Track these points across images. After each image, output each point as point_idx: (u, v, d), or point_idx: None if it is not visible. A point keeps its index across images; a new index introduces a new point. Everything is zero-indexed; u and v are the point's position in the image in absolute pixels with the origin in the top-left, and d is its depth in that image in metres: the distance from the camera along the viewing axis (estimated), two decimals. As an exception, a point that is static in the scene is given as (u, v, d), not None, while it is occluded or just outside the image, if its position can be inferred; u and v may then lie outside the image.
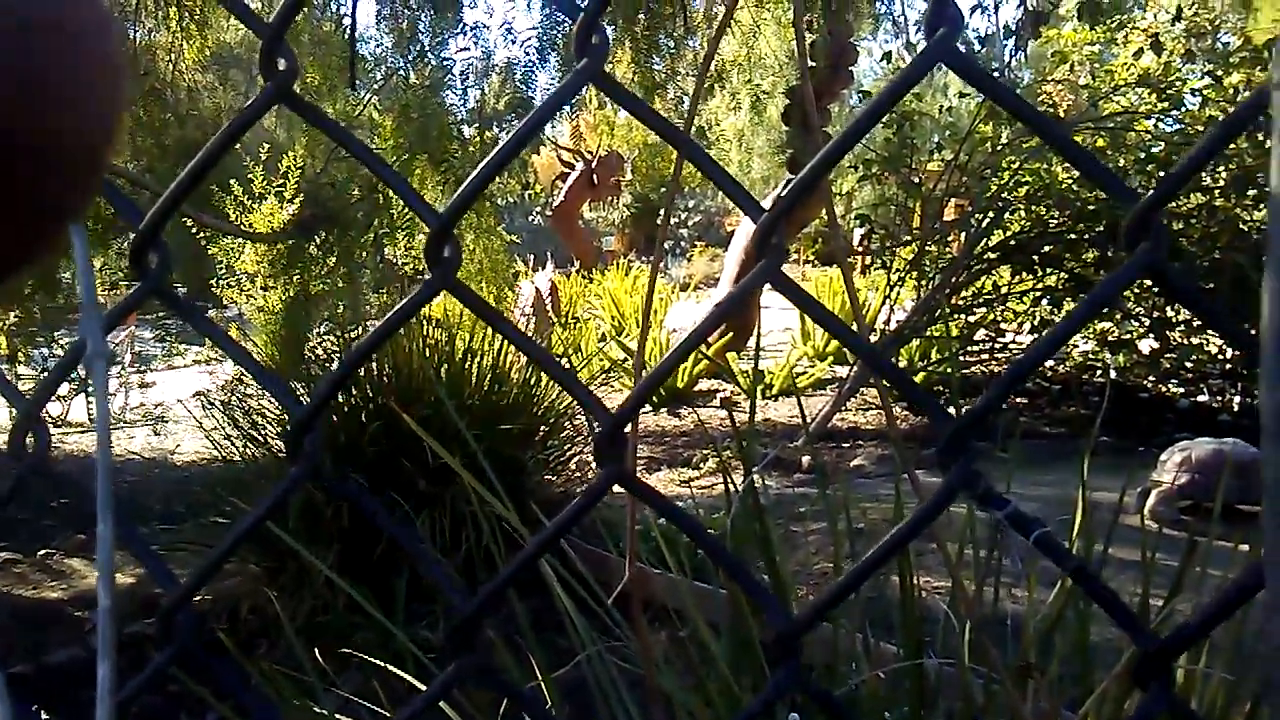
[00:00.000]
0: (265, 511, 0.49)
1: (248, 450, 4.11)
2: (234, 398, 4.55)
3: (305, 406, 0.47)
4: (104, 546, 0.36)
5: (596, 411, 0.47)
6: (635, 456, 5.81)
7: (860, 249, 8.40)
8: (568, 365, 8.11)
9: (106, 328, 0.40)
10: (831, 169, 0.46)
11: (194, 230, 6.18)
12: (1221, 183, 5.88)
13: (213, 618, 3.49)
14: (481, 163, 0.46)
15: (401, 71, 5.68)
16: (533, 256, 12.61)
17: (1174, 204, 6.06)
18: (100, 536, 0.32)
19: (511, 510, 1.55)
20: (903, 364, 7.02)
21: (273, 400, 4.27)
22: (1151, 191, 0.37)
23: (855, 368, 6.56)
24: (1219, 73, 6.38)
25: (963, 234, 6.77)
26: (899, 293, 6.80)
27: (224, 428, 4.21)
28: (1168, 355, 6.21)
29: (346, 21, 5.82)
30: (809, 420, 6.37)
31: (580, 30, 0.45)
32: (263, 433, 4.13)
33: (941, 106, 7.99)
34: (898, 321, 6.65)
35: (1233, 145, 6.20)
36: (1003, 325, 7.03)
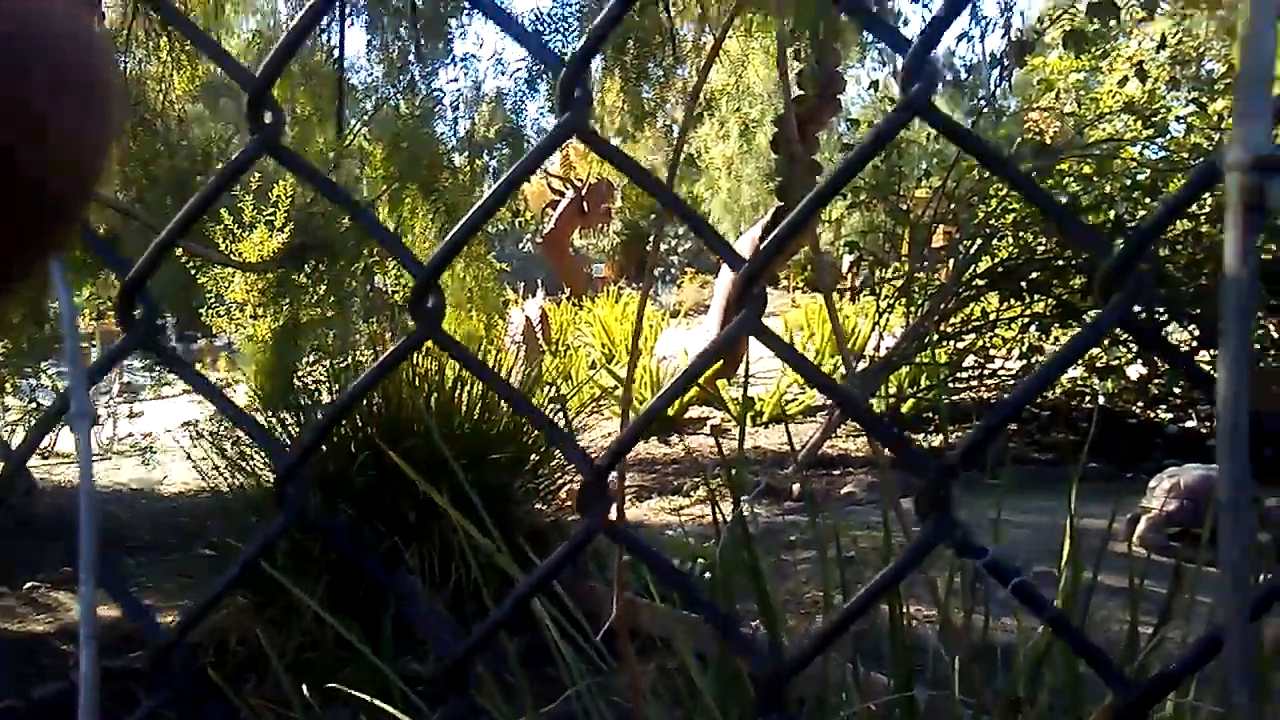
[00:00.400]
0: (251, 557, 0.49)
1: (236, 481, 4.09)
2: (222, 428, 4.53)
3: (288, 455, 0.47)
4: (85, 604, 0.36)
5: (578, 461, 0.47)
6: (624, 487, 5.80)
7: (849, 276, 8.43)
8: (558, 393, 8.13)
9: (90, 383, 0.41)
10: (812, 216, 0.47)
11: (183, 259, 6.17)
12: (1207, 209, 5.93)
13: (201, 651, 3.46)
14: (467, 215, 0.47)
15: (392, 101, 5.70)
16: (523, 284, 12.63)
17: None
18: (82, 596, 0.32)
19: (501, 545, 1.55)
20: (892, 390, 7.04)
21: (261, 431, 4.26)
22: (1122, 247, 0.38)
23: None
24: (1203, 100, 6.46)
25: (951, 261, 6.80)
26: (888, 319, 6.83)
27: (212, 458, 4.19)
28: (1156, 381, 6.24)
29: (337, 52, 5.85)
30: (799, 447, 6.37)
31: (563, 84, 0.45)
32: (250, 463, 4.11)
33: (929, 134, 8.05)
34: (887, 348, 6.67)
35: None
36: (992, 351, 7.06)
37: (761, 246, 0.46)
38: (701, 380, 7.72)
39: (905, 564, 0.44)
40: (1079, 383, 6.76)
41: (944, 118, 0.43)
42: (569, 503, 4.54)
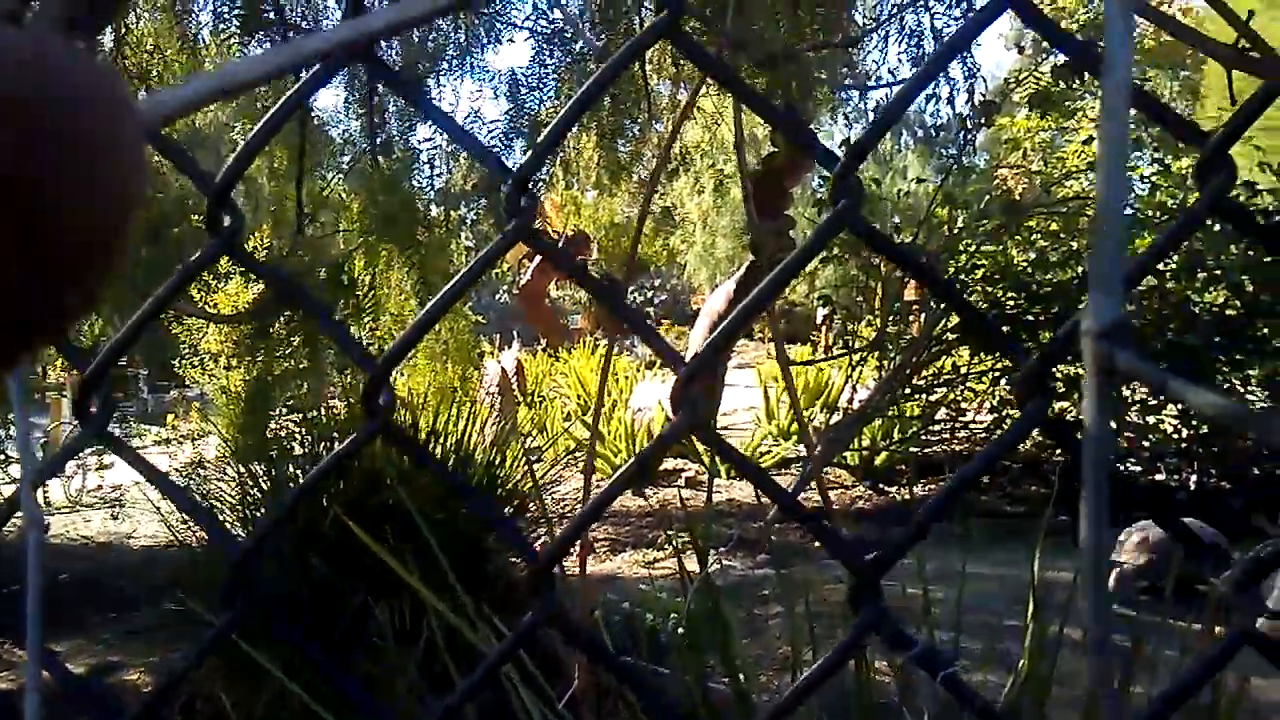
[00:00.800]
0: (194, 661, 0.50)
1: (205, 535, 4.05)
2: (192, 480, 4.50)
3: (241, 548, 0.48)
4: (33, 658, 0.37)
5: (524, 550, 0.49)
6: (594, 540, 5.76)
7: (823, 329, 8.50)
8: (533, 444, 8.09)
9: (41, 482, 0.42)
10: (752, 318, 0.49)
11: (156, 293, 6.14)
12: (1172, 267, 6.04)
13: (165, 712, 3.40)
14: (417, 318, 0.49)
15: (369, 155, 5.74)
16: (499, 335, 12.64)
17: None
18: (29, 705, 0.33)
19: (468, 604, 1.55)
20: (865, 443, 7.07)
21: (232, 484, 4.24)
22: (1038, 354, 0.40)
23: (820, 447, 6.59)
24: (1167, 159, 6.60)
25: (923, 315, 6.88)
26: (861, 372, 6.88)
27: (181, 512, 4.15)
28: (1125, 435, 6.30)
29: (315, 105, 5.90)
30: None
31: (511, 191, 0.48)
32: (221, 517, 4.08)
33: (900, 190, 8.18)
34: (860, 401, 6.72)
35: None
36: (963, 405, 7.11)
37: (699, 350, 0.48)
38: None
39: (834, 661, 0.45)
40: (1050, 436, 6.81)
41: (873, 230, 0.45)
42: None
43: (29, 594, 0.39)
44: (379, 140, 5.26)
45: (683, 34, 0.44)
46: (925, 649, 0.46)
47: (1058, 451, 6.75)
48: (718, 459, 7.60)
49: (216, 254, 0.50)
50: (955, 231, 6.68)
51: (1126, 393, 6.45)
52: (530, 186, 0.47)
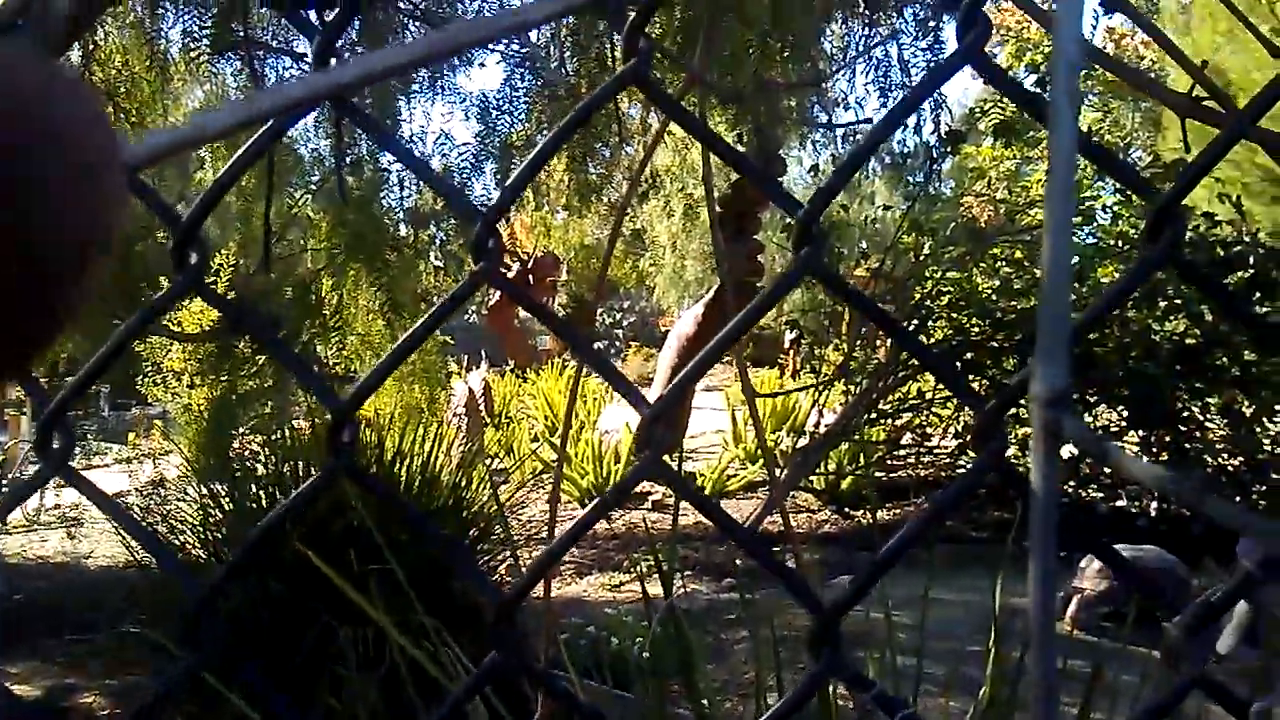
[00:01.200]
0: (159, 697, 0.50)
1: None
2: (152, 501, 4.44)
3: (199, 594, 0.48)
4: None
5: (487, 590, 0.49)
6: (560, 567, 5.74)
7: (790, 353, 8.54)
8: (500, 466, 8.06)
9: (2, 520, 0.41)
10: (712, 363, 0.50)
11: (120, 328, 6.08)
12: (1136, 295, 6.14)
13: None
14: (386, 355, 0.49)
15: (337, 175, 5.73)
16: (467, 356, 12.59)
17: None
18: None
19: (432, 629, 1.54)
20: (832, 467, 7.10)
21: (192, 504, 4.18)
22: (992, 406, 0.41)
23: (786, 471, 6.62)
24: (1128, 193, 6.71)
25: (889, 340, 6.94)
26: (828, 396, 6.92)
27: (145, 549, 4.09)
28: (1087, 461, 6.37)
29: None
30: (742, 522, 6.38)
31: (480, 232, 0.48)
32: (180, 538, 4.03)
33: (867, 217, 8.26)
34: (826, 425, 6.75)
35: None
36: (928, 430, 7.17)
37: (664, 392, 0.49)
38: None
39: (794, 701, 0.46)
40: (1013, 461, 6.87)
41: (835, 277, 0.46)
42: (510, 579, 4.50)
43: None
44: (348, 160, 5.25)
45: (648, 83, 0.45)
46: (881, 691, 0.46)
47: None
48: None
49: (182, 292, 0.50)
50: (921, 258, 6.75)
51: (1089, 419, 6.53)
52: (496, 232, 0.48)
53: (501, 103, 5.25)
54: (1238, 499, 5.82)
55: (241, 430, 6.06)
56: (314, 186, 6.52)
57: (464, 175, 5.26)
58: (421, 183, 6.66)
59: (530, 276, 15.89)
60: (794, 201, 0.46)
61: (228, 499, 4.17)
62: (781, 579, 0.47)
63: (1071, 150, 0.27)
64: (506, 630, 0.48)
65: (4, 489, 6.89)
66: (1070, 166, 0.28)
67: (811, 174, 7.20)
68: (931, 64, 5.04)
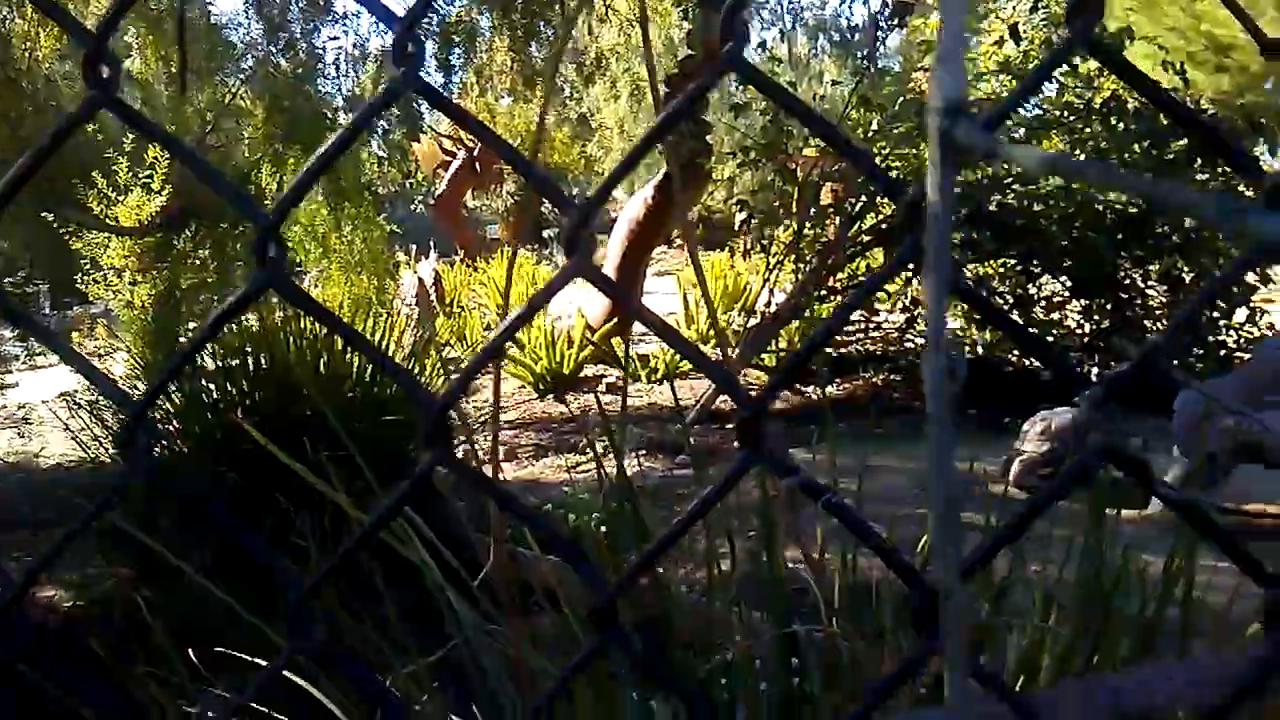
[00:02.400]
0: (99, 508, 0.50)
1: (116, 451, 3.99)
2: (101, 398, 4.40)
3: (137, 403, 0.48)
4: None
5: (422, 399, 0.49)
6: (510, 444, 5.80)
7: (741, 233, 8.54)
8: (451, 354, 8.05)
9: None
10: (622, 178, 0.50)
11: (55, 224, 5.92)
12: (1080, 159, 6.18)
13: (85, 625, 3.38)
14: (307, 163, 0.49)
15: (272, 59, 5.55)
16: (415, 246, 12.44)
17: (1034, 186, 6.36)
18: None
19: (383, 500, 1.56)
20: (783, 345, 7.18)
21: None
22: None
23: (738, 350, 6.68)
24: (1075, 60, 6.69)
25: (838, 218, 6.95)
26: (778, 275, 6.95)
27: (92, 429, 4.07)
28: (1030, 330, 6.50)
29: (213, 9, 5.65)
30: (694, 403, 6.47)
31: (397, 39, 0.47)
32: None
33: (816, 94, 8.17)
34: (777, 304, 6.80)
35: (1088, 130, 6.52)
36: (877, 305, 7.25)
37: (590, 195, 0.49)
38: (597, 338, 7.78)
39: (720, 488, 0.48)
40: (958, 334, 7.00)
41: (754, 70, 0.46)
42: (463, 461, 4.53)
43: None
44: (281, 41, 5.09)
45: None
46: (806, 478, 0.48)
47: (965, 350, 6.95)
48: (635, 365, 7.63)
49: (94, 107, 0.49)
50: (870, 135, 6.72)
51: (1033, 290, 6.65)
52: (417, 36, 0.47)
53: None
54: (1175, 362, 5.99)
55: (187, 326, 5.98)
56: (247, 73, 6.32)
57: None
58: (360, 67, 6.47)
59: (477, 164, 15.62)
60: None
61: (177, 394, 4.14)
62: (702, 368, 0.49)
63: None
64: (439, 438, 0.49)
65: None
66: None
67: (760, 50, 7.08)
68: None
